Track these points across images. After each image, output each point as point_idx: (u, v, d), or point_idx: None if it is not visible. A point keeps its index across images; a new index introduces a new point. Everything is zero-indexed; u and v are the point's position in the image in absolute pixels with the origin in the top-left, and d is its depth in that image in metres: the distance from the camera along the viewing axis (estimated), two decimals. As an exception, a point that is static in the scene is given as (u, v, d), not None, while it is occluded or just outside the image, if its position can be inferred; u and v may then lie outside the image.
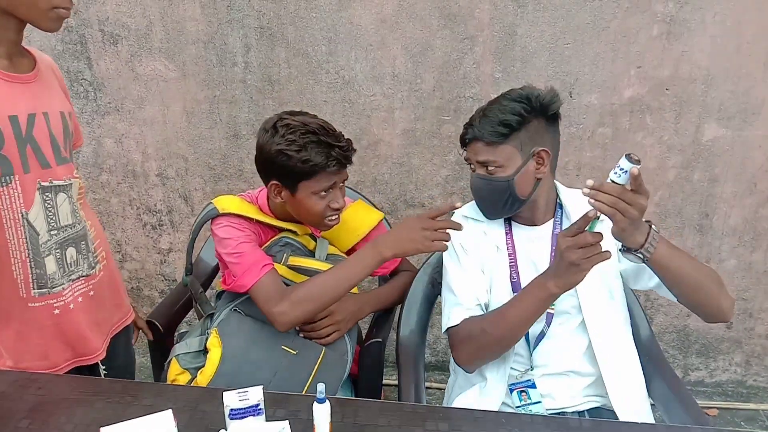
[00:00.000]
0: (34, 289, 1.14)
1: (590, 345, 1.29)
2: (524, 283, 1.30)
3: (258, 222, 1.39)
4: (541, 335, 1.31)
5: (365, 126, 2.10)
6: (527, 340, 1.32)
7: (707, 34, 1.87)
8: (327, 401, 0.92)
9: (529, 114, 1.25)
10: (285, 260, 1.36)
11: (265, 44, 2.03)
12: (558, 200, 1.38)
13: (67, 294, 1.19)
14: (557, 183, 1.40)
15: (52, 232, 1.15)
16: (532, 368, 1.32)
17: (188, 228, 2.32)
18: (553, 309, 1.30)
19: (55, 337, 1.20)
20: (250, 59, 2.05)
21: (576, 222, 1.08)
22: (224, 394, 0.91)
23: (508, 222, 1.40)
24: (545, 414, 1.27)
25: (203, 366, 1.29)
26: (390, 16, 1.94)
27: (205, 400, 1.03)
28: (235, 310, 1.35)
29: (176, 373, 1.33)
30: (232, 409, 0.90)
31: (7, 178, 1.07)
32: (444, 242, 1.25)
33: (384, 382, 1.73)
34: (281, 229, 1.40)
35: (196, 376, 1.30)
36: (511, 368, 1.32)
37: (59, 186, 1.16)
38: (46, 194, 1.13)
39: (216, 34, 2.04)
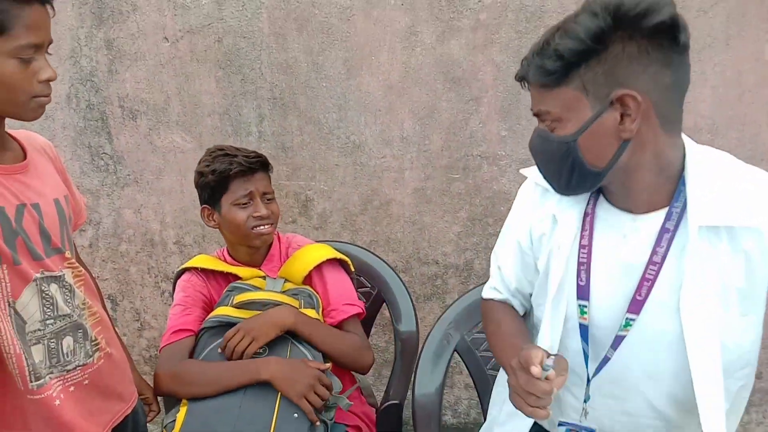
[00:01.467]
0: (31, 381, 1.10)
1: (690, 384, 0.92)
2: (596, 290, 1.00)
3: (213, 273, 1.51)
4: (605, 361, 1.00)
5: (377, 187, 2.14)
6: (585, 361, 1.02)
7: (708, 85, 1.91)
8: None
9: (605, 35, 0.83)
10: (231, 302, 1.41)
11: (278, 114, 2.10)
12: (684, 176, 0.93)
13: (55, 386, 1.15)
14: (689, 144, 0.95)
15: (47, 322, 1.13)
16: (586, 400, 1.04)
17: (205, 294, 2.34)
18: (626, 331, 0.97)
19: (57, 429, 1.16)
20: (264, 128, 2.13)
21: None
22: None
23: (596, 196, 1.01)
24: None
25: None
26: (397, 83, 2.01)
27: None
28: None
29: None
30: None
31: None
32: (311, 409, 1.24)
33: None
34: (237, 277, 1.49)
35: None
36: (570, 394, 1.07)
37: (51, 277, 1.14)
38: (43, 285, 1.12)
39: (231, 106, 2.12)
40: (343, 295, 1.52)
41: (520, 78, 0.94)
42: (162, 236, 2.32)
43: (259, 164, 1.46)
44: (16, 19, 0.98)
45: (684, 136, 0.96)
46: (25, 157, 1.15)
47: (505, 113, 2.00)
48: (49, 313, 1.14)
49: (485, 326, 1.23)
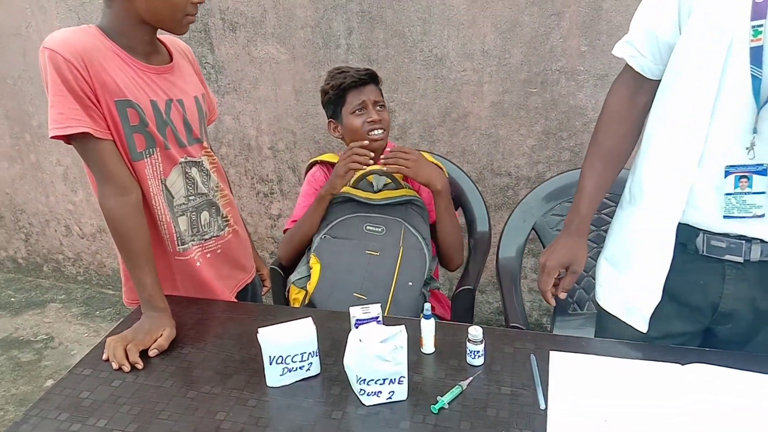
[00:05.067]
0: (178, 245, 1.37)
1: None
2: None
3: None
4: None
5: (455, 100, 2.26)
6: (756, 88, 0.91)
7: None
8: (432, 318, 1.12)
9: None
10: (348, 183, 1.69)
11: (366, 27, 2.23)
12: None
13: (196, 251, 1.41)
14: None
15: (190, 198, 1.38)
16: (755, 131, 0.94)
17: (296, 196, 2.59)
18: None
19: (197, 286, 1.43)
20: (352, 41, 2.27)
21: None
22: (351, 309, 1.13)
23: None
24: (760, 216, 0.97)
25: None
26: (481, -4, 2.09)
27: (331, 320, 1.26)
28: (324, 237, 1.63)
29: (294, 293, 1.61)
30: (357, 319, 1.12)
31: (151, 150, 1.28)
32: (356, 164, 1.57)
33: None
34: None
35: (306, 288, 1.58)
36: (734, 137, 0.96)
37: (192, 162, 1.38)
38: (186, 168, 1.36)
39: (322, 19, 2.27)
40: None
41: None
42: (258, 141, 2.56)
43: (369, 77, 1.68)
44: None
45: None
46: (171, 59, 1.36)
47: (586, 28, 2.05)
48: (191, 191, 1.39)
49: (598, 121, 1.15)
